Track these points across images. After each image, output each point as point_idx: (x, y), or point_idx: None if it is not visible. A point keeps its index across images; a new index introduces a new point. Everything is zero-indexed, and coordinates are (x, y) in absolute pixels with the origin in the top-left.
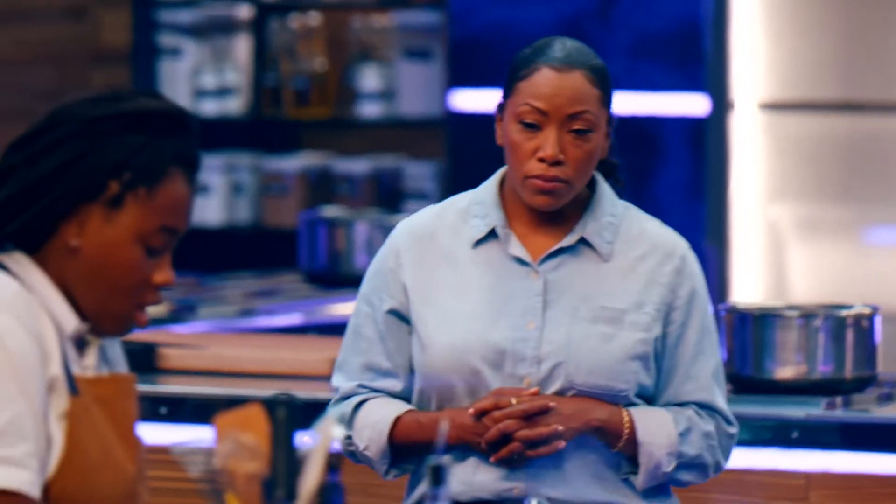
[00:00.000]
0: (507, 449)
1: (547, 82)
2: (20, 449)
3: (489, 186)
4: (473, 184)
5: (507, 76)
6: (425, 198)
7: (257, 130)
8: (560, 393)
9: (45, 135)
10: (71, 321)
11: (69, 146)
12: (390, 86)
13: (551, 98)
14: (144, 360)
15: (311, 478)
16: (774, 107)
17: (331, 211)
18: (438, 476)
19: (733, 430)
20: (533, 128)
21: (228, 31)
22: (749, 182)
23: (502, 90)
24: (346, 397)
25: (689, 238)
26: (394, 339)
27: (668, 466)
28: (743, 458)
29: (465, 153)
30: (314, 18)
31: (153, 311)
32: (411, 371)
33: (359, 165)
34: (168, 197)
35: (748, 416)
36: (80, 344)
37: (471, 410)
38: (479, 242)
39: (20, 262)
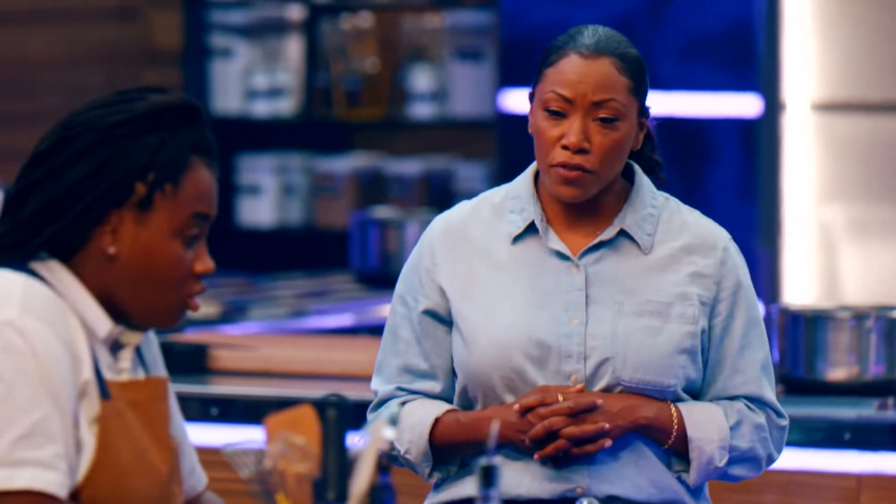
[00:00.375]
0: (553, 446)
1: (573, 69)
2: (48, 451)
3: (524, 180)
4: None
5: (538, 63)
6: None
7: (309, 131)
8: (607, 390)
9: (65, 147)
10: (104, 325)
11: (91, 156)
12: (441, 86)
13: (576, 85)
14: (196, 361)
15: (361, 479)
16: (826, 107)
17: (382, 212)
18: (489, 476)
19: (784, 422)
20: (558, 115)
21: (280, 31)
22: (801, 183)
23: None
24: (384, 400)
25: (741, 239)
26: (430, 340)
27: (721, 461)
28: (794, 460)
29: (516, 153)
30: (366, 19)
31: (205, 311)
32: (451, 372)
33: (410, 166)
34: (193, 187)
35: (800, 417)
36: (115, 347)
37: (515, 407)
38: (517, 238)
39: (53, 269)
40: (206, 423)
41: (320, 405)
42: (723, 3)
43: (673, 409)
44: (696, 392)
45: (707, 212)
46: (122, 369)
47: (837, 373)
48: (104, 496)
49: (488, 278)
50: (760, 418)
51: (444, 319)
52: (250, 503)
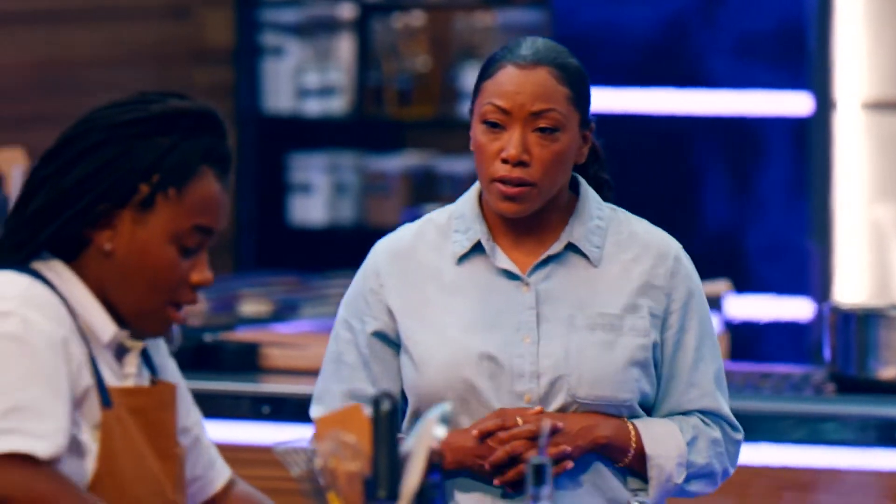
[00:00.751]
0: (515, 471)
1: (510, 80)
2: (42, 425)
3: (468, 199)
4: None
5: (476, 78)
6: None
7: (360, 130)
8: (563, 408)
9: (75, 143)
10: (108, 329)
11: (98, 153)
12: None
13: (514, 95)
14: (247, 360)
15: (412, 477)
16: (878, 106)
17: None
18: (540, 475)
19: (739, 435)
20: (497, 127)
21: (332, 30)
22: (852, 181)
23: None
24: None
25: (793, 238)
26: (379, 363)
27: (679, 477)
28: (846, 458)
29: None
30: (417, 18)
31: (257, 310)
32: (401, 397)
33: (461, 165)
34: (198, 196)
35: (851, 416)
36: (120, 352)
37: (474, 432)
38: (463, 258)
39: (57, 270)
40: (257, 421)
41: (371, 403)
42: (774, 1)
43: (630, 426)
44: (650, 407)
45: (759, 211)
46: (128, 375)
47: (889, 371)
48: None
49: (438, 300)
50: (716, 433)
51: (392, 341)
52: (301, 502)
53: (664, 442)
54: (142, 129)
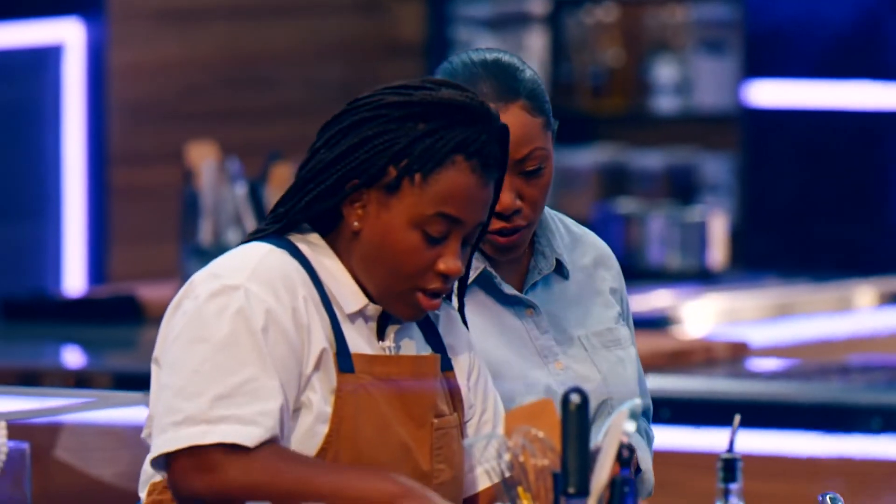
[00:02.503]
0: None
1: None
2: (251, 408)
3: None
4: (770, 178)
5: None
6: (720, 192)
7: None
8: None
9: (346, 118)
10: (355, 301)
11: (360, 130)
12: (685, 79)
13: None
14: None
15: (602, 472)
16: None
17: (625, 205)
18: (731, 470)
19: (652, 432)
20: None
21: (523, 24)
22: None
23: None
24: None
25: None
26: None
27: (651, 486)
28: None
29: (761, 146)
30: (609, 12)
31: None
32: None
33: (653, 159)
34: (446, 185)
35: None
36: (384, 325)
37: None
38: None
39: (312, 241)
40: None
41: (561, 398)
42: None
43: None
44: None
45: None
46: (385, 347)
47: None
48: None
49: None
50: (652, 432)
51: None
52: None
53: (645, 455)
54: (402, 113)
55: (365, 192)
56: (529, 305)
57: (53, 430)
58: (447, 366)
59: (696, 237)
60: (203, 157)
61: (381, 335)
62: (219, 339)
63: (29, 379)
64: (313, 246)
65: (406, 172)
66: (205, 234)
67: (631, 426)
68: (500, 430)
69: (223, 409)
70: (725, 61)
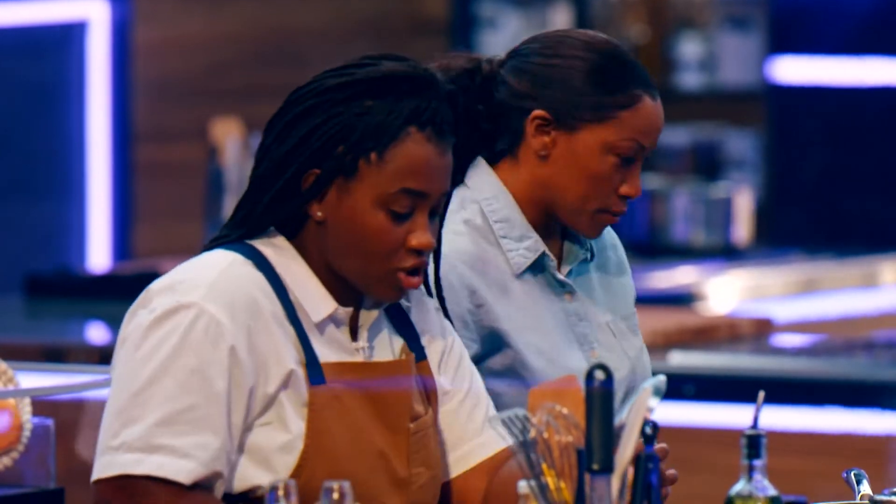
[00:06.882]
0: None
1: (652, 117)
2: (188, 439)
3: (503, 198)
4: (795, 154)
5: (593, 94)
6: (745, 168)
7: None
8: None
9: (290, 110)
10: (323, 307)
11: (307, 120)
12: (710, 55)
13: (655, 135)
14: None
15: (626, 449)
16: None
17: (650, 181)
18: (755, 446)
19: None
20: (630, 162)
21: (548, 1)
22: None
23: (582, 116)
24: None
25: None
26: None
27: None
28: None
29: (786, 123)
30: None
31: None
32: None
33: (678, 136)
34: (404, 159)
35: None
36: (355, 325)
37: None
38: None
39: (278, 245)
40: None
41: (585, 375)
42: None
43: None
44: None
45: None
46: (358, 349)
47: None
48: (321, 481)
49: (517, 316)
50: None
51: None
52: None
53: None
54: (345, 94)
55: (324, 181)
56: (570, 291)
57: (78, 406)
58: (421, 355)
59: (721, 213)
60: (227, 134)
61: (353, 335)
62: (164, 362)
63: (53, 355)
64: (279, 250)
65: (361, 153)
66: (229, 210)
67: (655, 402)
68: (484, 408)
69: (161, 438)
70: (750, 38)
